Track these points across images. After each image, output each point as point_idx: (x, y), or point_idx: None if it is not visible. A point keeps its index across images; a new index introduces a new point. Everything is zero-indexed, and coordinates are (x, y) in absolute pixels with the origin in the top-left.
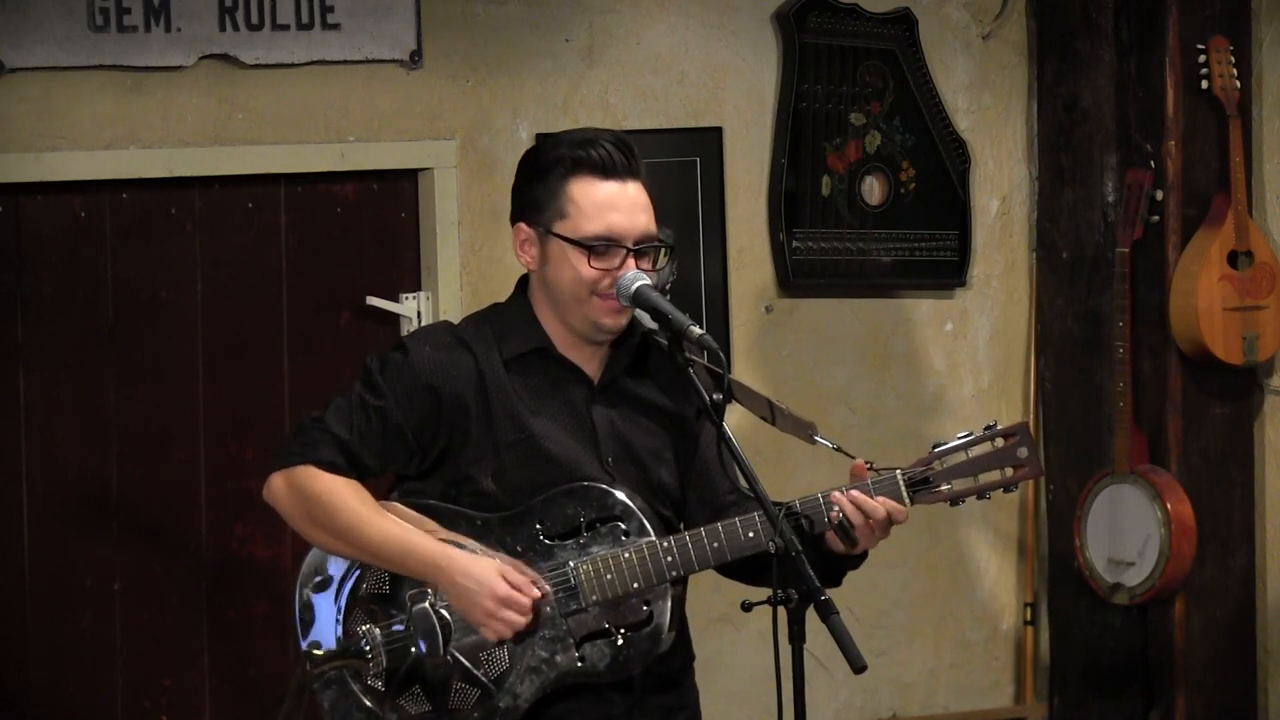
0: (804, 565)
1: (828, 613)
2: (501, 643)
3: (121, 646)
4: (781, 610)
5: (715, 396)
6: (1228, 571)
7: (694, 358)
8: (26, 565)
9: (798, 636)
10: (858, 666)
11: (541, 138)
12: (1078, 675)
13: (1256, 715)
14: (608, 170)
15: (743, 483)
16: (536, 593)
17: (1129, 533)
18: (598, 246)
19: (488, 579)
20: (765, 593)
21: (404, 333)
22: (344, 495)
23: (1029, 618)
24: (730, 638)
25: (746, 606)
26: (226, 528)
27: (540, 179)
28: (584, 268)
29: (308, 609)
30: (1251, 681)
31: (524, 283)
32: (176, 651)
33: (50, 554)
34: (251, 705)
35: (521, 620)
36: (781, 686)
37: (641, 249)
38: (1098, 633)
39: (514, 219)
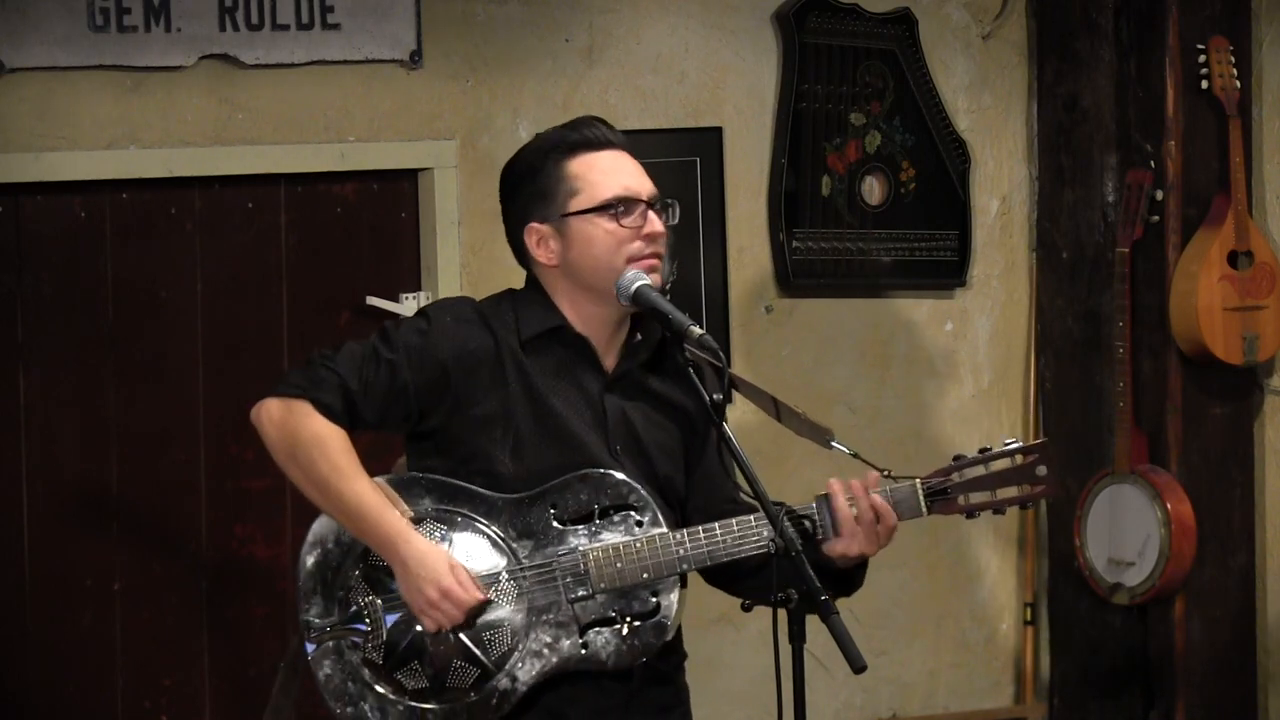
0: (804, 565)
1: (828, 613)
2: (441, 631)
3: (121, 646)
4: (781, 610)
5: (716, 396)
6: (1228, 571)
7: (698, 352)
8: (26, 565)
9: (798, 636)
10: (858, 666)
11: (518, 150)
12: (1078, 675)
13: (1256, 716)
14: (602, 143)
15: (744, 483)
16: (480, 595)
17: (1129, 533)
18: (619, 207)
19: (437, 570)
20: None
21: None
22: (331, 445)
23: (1029, 618)
24: (730, 638)
25: (746, 606)
26: (226, 528)
27: (536, 174)
28: (616, 229)
29: (310, 577)
30: (1251, 682)
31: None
32: (176, 651)
33: (50, 554)
34: (251, 705)
35: (458, 616)
36: (781, 686)
37: (655, 205)
38: (1098, 633)
39: (518, 225)
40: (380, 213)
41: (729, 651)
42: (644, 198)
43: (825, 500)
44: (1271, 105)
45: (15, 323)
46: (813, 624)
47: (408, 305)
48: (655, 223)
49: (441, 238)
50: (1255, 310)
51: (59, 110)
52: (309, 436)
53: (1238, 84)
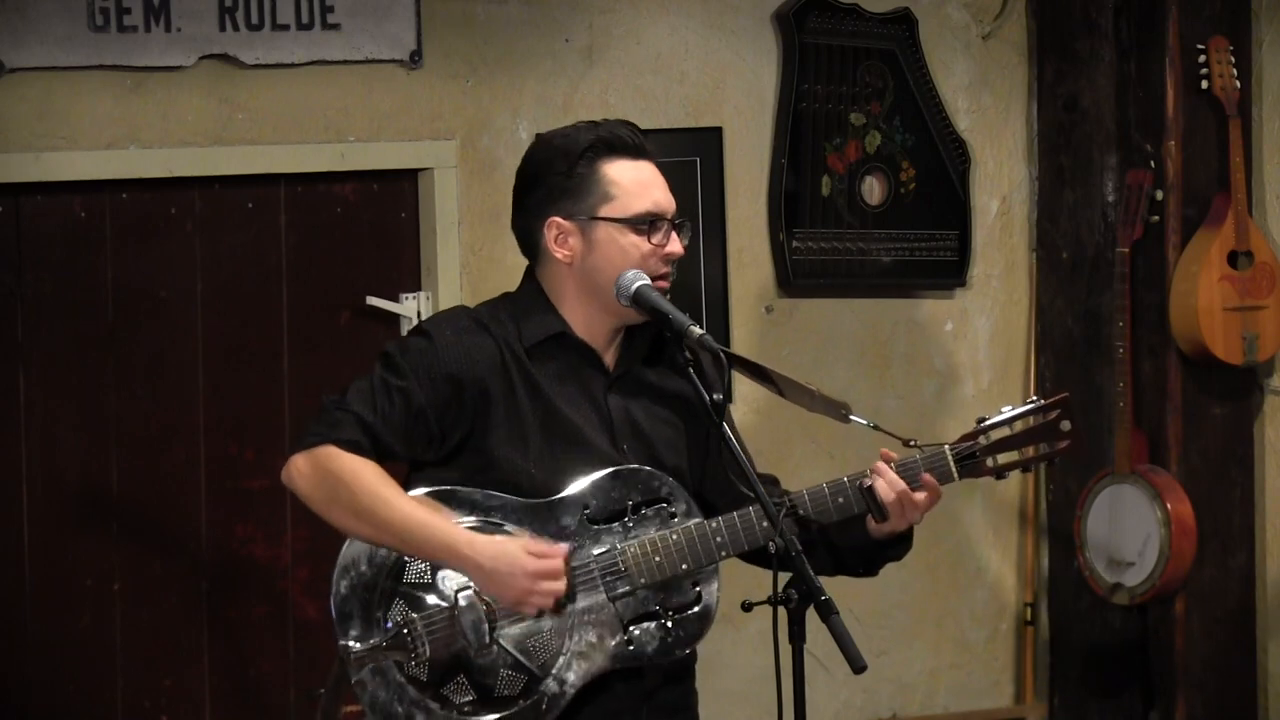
0: (804, 566)
1: (828, 613)
2: (541, 614)
3: (121, 646)
4: (781, 610)
5: (716, 397)
6: (1228, 571)
7: (699, 350)
8: (26, 565)
9: (798, 636)
10: (858, 666)
11: (542, 135)
12: (1078, 675)
13: (1256, 715)
14: (637, 150)
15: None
16: (563, 549)
17: (1129, 533)
18: (645, 225)
19: (517, 558)
20: (765, 592)
21: (404, 333)
22: (366, 476)
23: (1029, 618)
24: (730, 638)
25: (746, 606)
26: (226, 528)
27: (568, 170)
28: (641, 244)
29: (346, 601)
30: (1251, 681)
31: (530, 273)
32: (176, 651)
33: (50, 554)
34: (252, 705)
35: (561, 586)
36: (781, 686)
37: (677, 224)
38: (1098, 633)
39: (537, 214)
40: (380, 213)
41: (729, 651)
42: (670, 217)
43: (870, 491)
44: (1271, 105)
45: (15, 323)
46: (813, 624)
47: (408, 305)
48: (677, 244)
49: (441, 238)
50: (1255, 310)
51: (59, 110)
52: (341, 475)
53: (1238, 84)
